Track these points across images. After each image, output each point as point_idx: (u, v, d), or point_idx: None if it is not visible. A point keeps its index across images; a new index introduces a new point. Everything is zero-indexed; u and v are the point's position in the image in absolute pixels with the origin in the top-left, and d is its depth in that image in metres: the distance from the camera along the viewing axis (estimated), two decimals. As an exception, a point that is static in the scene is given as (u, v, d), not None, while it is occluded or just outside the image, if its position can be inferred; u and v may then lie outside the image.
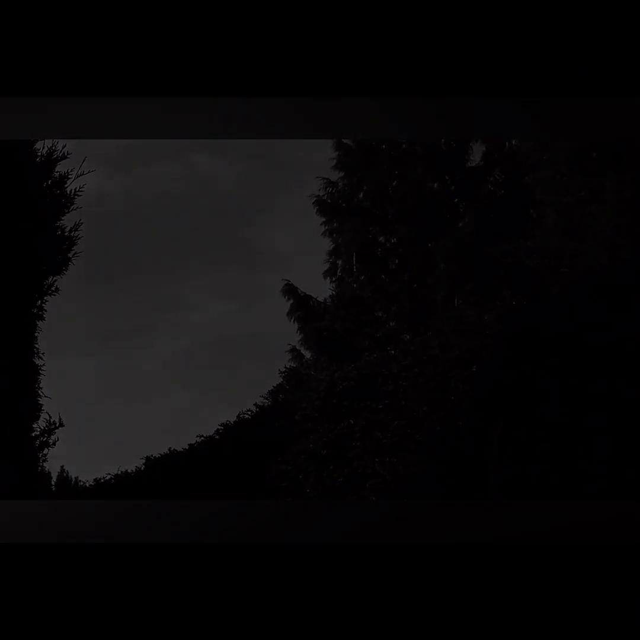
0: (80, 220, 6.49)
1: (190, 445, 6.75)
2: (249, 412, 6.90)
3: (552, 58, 3.48)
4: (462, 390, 5.98)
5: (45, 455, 6.45)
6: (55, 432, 6.42)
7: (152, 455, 6.75)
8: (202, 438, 6.74)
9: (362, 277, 7.59)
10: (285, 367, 7.29)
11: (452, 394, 6.00)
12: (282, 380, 7.18)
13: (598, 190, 6.61)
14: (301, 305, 7.60)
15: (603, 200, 6.55)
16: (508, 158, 7.65)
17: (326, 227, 7.75)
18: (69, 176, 6.43)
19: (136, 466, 6.74)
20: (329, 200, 7.74)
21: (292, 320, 7.54)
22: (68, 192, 6.44)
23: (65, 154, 6.43)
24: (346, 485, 6.11)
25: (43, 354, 6.36)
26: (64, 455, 6.54)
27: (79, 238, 6.50)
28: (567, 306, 6.10)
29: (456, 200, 7.60)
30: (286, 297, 7.55)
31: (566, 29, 3.48)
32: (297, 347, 7.50)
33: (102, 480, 6.69)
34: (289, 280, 7.53)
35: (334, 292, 7.66)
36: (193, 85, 3.47)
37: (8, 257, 5.93)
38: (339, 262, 7.74)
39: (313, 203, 7.73)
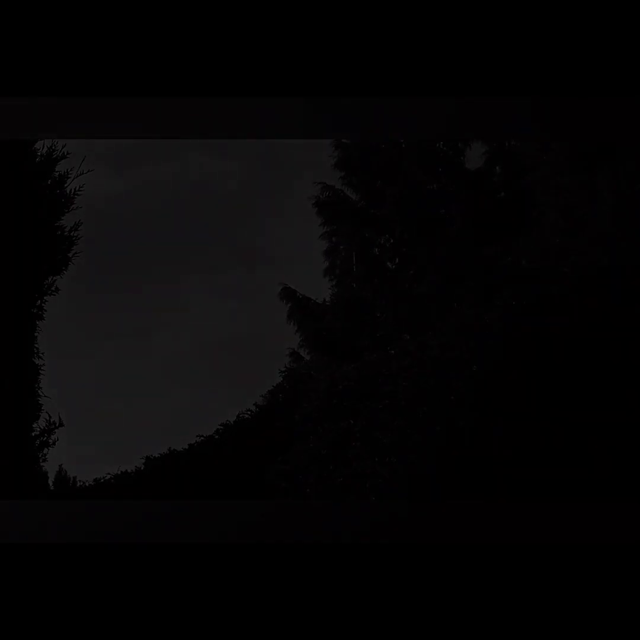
0: (80, 220, 6.49)
1: (190, 445, 6.75)
2: (249, 412, 6.90)
3: (553, 58, 3.48)
4: (462, 390, 5.98)
5: (45, 455, 6.45)
6: (55, 432, 6.42)
7: (152, 455, 6.75)
8: (202, 438, 6.74)
9: (362, 278, 7.59)
10: (285, 367, 7.28)
11: (452, 394, 6.00)
12: (282, 380, 7.17)
13: (598, 189, 6.61)
14: (300, 308, 7.59)
15: (603, 199, 6.54)
16: (508, 158, 7.65)
17: (325, 228, 7.74)
18: (69, 176, 6.43)
19: (136, 466, 6.74)
20: (328, 201, 7.74)
21: (291, 323, 7.53)
22: (68, 192, 6.43)
23: (65, 154, 6.43)
24: (346, 485, 6.11)
25: (43, 354, 6.36)
26: (63, 455, 6.54)
27: (79, 238, 6.50)
28: (567, 306, 6.10)
29: (455, 200, 7.59)
30: (284, 301, 7.55)
31: (566, 29, 3.48)
32: (297, 349, 7.49)
33: (102, 480, 6.68)
34: (287, 284, 7.53)
35: (333, 293, 7.66)
36: (193, 85, 3.47)
37: (8, 256, 5.92)
38: (338, 262, 7.73)
39: (312, 204, 7.72)
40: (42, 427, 6.37)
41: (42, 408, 6.38)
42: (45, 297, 6.35)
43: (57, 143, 6.38)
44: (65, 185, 6.41)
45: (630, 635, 3.30)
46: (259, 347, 7.08)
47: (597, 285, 6.15)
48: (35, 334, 6.32)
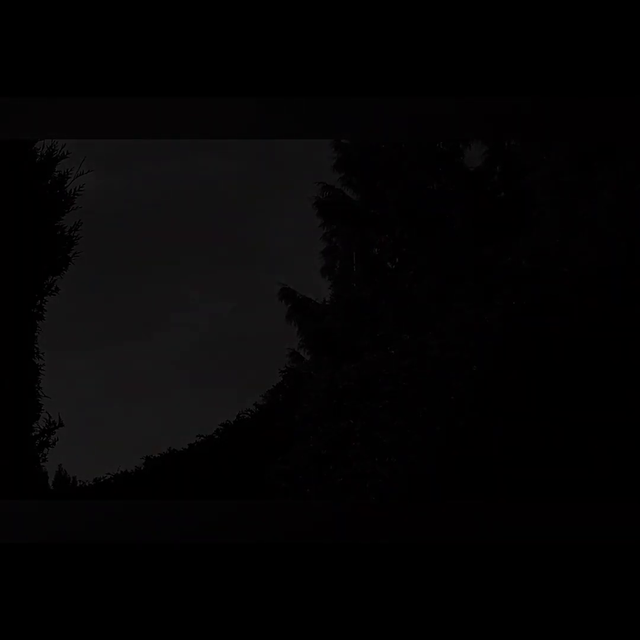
0: (80, 220, 6.50)
1: (190, 445, 6.76)
2: (249, 412, 6.91)
3: (553, 58, 3.48)
4: (462, 390, 5.98)
5: (45, 455, 6.45)
6: (55, 432, 6.43)
7: (152, 455, 6.75)
8: (202, 438, 6.75)
9: (362, 278, 7.59)
10: (285, 367, 7.29)
11: (452, 394, 6.00)
12: (282, 380, 7.18)
13: (598, 189, 6.61)
14: (300, 308, 7.60)
15: (603, 199, 6.55)
16: (508, 158, 7.65)
17: (325, 228, 7.74)
18: (69, 176, 6.43)
19: (136, 466, 6.75)
20: (328, 201, 7.74)
21: (291, 323, 7.53)
22: (68, 192, 6.44)
23: (65, 153, 6.44)
24: (346, 485, 6.11)
25: (43, 354, 6.36)
26: (63, 455, 6.54)
27: (79, 238, 6.51)
28: (567, 306, 6.10)
29: (455, 200, 7.60)
30: (284, 301, 7.55)
31: (566, 29, 3.48)
32: (297, 349, 7.50)
33: (102, 480, 6.69)
34: (286, 285, 7.53)
35: (333, 293, 7.66)
36: (193, 85, 3.47)
37: (8, 256, 5.93)
38: (338, 262, 7.74)
39: (313, 205, 7.72)
40: (42, 427, 6.38)
41: (42, 408, 6.38)
42: (45, 297, 6.35)
43: (57, 143, 6.39)
44: (65, 185, 6.42)
45: (631, 635, 3.30)
46: (259, 347, 7.08)
47: (597, 285, 6.15)
48: (35, 334, 6.32)
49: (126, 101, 3.48)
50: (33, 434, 6.34)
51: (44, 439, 6.39)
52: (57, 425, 6.40)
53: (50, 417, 6.37)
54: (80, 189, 6.43)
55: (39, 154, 6.34)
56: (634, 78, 3.47)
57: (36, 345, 6.32)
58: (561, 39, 3.48)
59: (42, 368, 6.34)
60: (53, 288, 6.38)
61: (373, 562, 3.32)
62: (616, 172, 6.49)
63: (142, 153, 6.91)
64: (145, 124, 3.53)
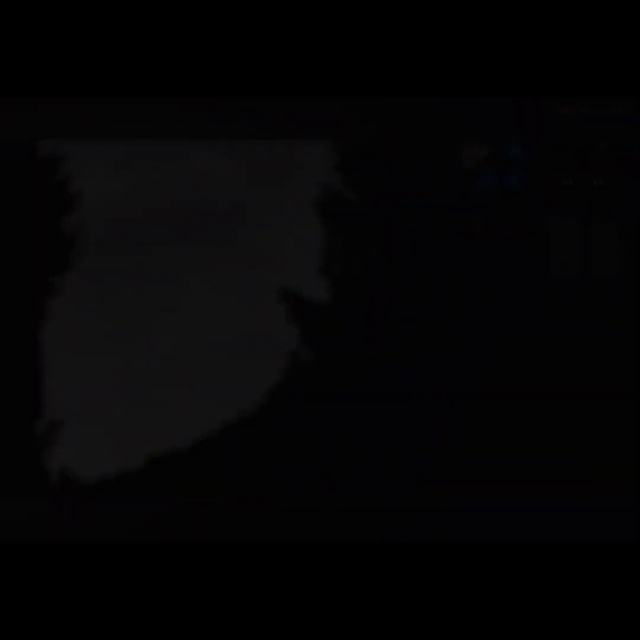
0: (81, 220, 6.52)
1: (190, 444, 6.77)
2: (249, 412, 6.93)
3: (552, 58, 3.50)
4: (462, 389, 6.00)
5: (45, 454, 6.47)
6: (56, 432, 6.45)
7: (152, 455, 6.77)
8: (202, 438, 6.77)
9: (362, 278, 7.62)
10: (286, 367, 7.31)
11: (452, 394, 6.02)
12: (282, 380, 7.19)
13: (597, 189, 6.63)
14: (300, 308, 7.63)
15: (604, 199, 6.56)
16: (507, 158, 7.68)
17: (326, 229, 7.78)
18: (72, 177, 6.46)
19: (137, 465, 6.76)
20: (328, 202, 7.78)
21: (291, 323, 7.56)
22: (71, 193, 6.46)
23: (66, 154, 6.46)
24: (346, 485, 6.12)
25: (43, 354, 6.38)
26: (64, 455, 6.57)
27: (80, 238, 6.53)
28: (567, 307, 6.12)
29: (454, 199, 7.63)
30: (284, 301, 7.57)
31: (565, 29, 3.51)
32: (297, 350, 7.52)
33: (102, 479, 6.71)
34: (287, 284, 7.55)
35: (333, 292, 7.69)
36: (193, 85, 3.50)
37: (8, 256, 5.95)
38: (338, 262, 7.77)
39: (313, 205, 7.76)
40: (43, 427, 6.40)
41: (43, 408, 6.41)
42: (45, 297, 6.38)
43: (57, 143, 6.41)
44: (68, 186, 6.45)
45: (630, 636, 3.32)
46: (259, 347, 7.11)
47: (598, 286, 6.17)
48: (37, 334, 6.35)
49: (126, 101, 3.50)
50: (33, 434, 6.37)
51: (45, 438, 6.41)
52: (58, 425, 6.42)
53: (50, 417, 6.40)
54: (83, 190, 6.46)
55: (41, 154, 6.37)
56: (634, 78, 3.49)
57: (37, 345, 6.35)
58: (561, 40, 3.50)
59: (43, 368, 6.37)
60: (53, 288, 6.40)
61: (372, 561, 3.35)
62: (616, 172, 6.51)
63: (142, 153, 6.94)
64: (145, 124, 3.55)
